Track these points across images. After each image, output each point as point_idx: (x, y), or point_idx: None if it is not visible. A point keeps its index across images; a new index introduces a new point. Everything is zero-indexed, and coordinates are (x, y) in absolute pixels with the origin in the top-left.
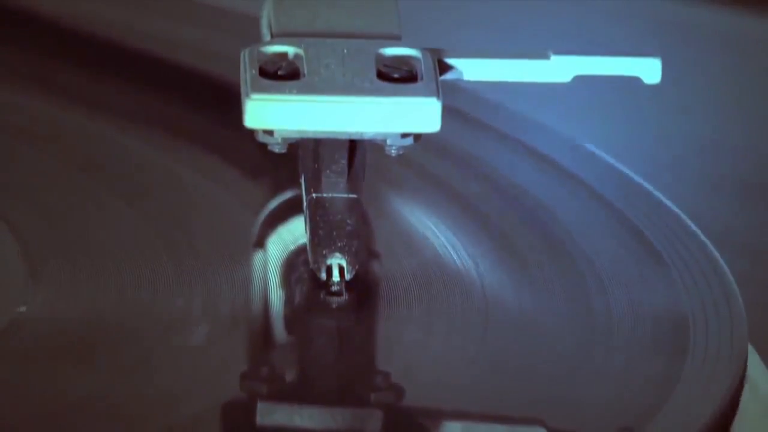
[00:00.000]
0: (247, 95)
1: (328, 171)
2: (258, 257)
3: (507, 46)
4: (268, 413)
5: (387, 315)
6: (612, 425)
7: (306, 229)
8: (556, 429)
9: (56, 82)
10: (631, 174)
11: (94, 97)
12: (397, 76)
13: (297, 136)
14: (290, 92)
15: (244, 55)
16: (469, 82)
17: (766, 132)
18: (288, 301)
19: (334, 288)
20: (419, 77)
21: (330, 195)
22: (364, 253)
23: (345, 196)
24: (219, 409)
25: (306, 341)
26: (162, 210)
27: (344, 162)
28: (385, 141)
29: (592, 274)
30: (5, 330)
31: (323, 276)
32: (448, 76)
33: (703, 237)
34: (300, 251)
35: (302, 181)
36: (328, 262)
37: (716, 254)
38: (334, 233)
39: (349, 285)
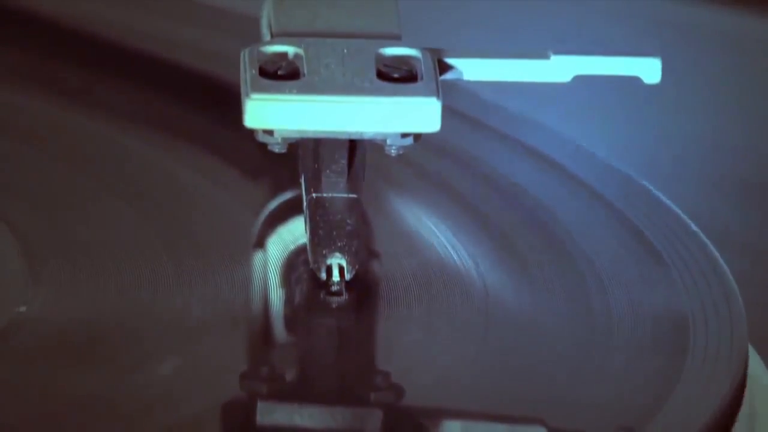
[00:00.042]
0: (247, 95)
1: (328, 171)
2: (258, 257)
3: (507, 46)
4: (268, 413)
5: (387, 315)
6: (612, 425)
7: (306, 229)
8: (557, 428)
9: (56, 82)
10: (631, 174)
11: (94, 97)
12: (397, 76)
13: (297, 136)
14: (290, 92)
15: (244, 55)
16: (469, 82)
17: (766, 132)
18: (288, 301)
19: (334, 288)
20: (419, 77)
21: (330, 195)
22: (364, 253)
23: (345, 195)
24: (219, 409)
25: (306, 341)
26: (162, 210)
27: (344, 162)
28: (385, 141)
29: (592, 274)
30: (5, 330)
31: (323, 276)
32: (448, 76)
33: (703, 237)
34: (300, 251)
35: (302, 181)
36: (328, 262)
37: (716, 254)
38: (334, 233)
39: (349, 285)
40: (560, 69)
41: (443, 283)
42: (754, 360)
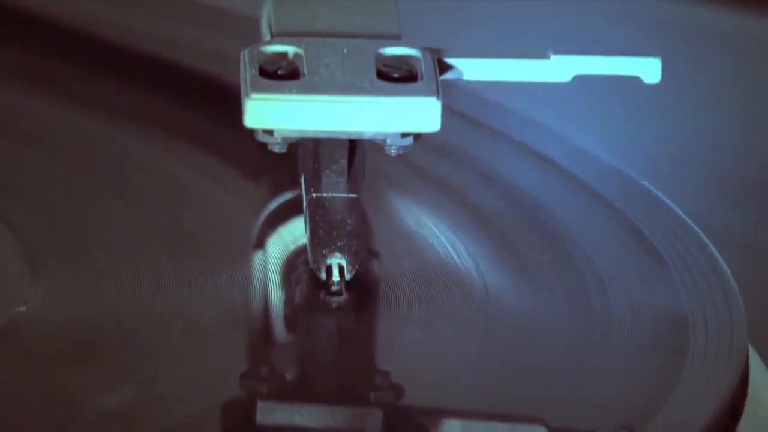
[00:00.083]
0: (247, 95)
1: (328, 171)
2: (258, 257)
3: (507, 46)
4: (268, 412)
5: (387, 315)
6: (612, 425)
7: (306, 229)
8: (557, 428)
9: (56, 82)
10: (631, 174)
11: (94, 97)
12: (397, 76)
13: (297, 135)
14: (290, 92)
15: (244, 55)
16: (469, 82)
17: (766, 132)
18: (288, 301)
19: (334, 288)
20: (419, 77)
21: (330, 195)
22: (364, 253)
23: (345, 195)
24: (219, 409)
25: (306, 341)
26: (162, 210)
27: (344, 162)
28: (385, 141)
29: (592, 274)
30: (5, 330)
31: (323, 276)
32: (448, 76)
33: (703, 237)
34: (300, 251)
35: (302, 180)
36: (328, 261)
37: (716, 254)
38: (334, 233)
39: (349, 285)
40: (560, 69)
41: (443, 283)
42: (754, 360)
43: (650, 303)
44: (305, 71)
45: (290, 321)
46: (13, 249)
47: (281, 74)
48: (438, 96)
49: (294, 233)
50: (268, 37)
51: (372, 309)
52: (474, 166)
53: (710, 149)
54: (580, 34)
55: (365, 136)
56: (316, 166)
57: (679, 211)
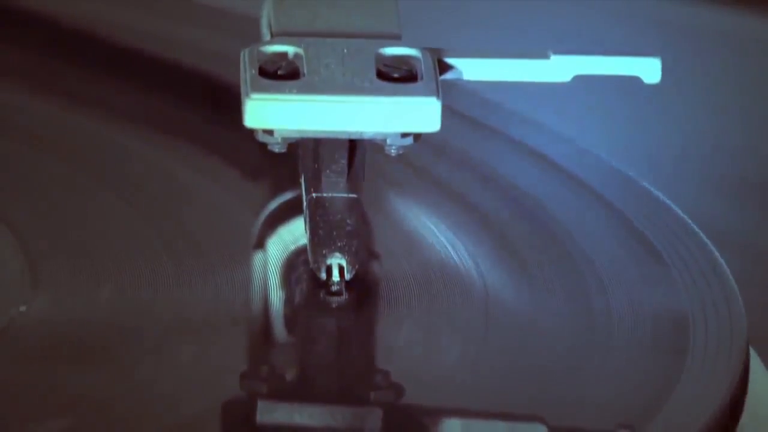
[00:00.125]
0: (247, 95)
1: (328, 171)
2: (258, 257)
3: (507, 46)
4: (268, 412)
5: (387, 315)
6: (612, 424)
7: (306, 229)
8: (557, 428)
9: (56, 82)
10: (631, 174)
11: (94, 97)
12: (397, 76)
13: (297, 135)
14: (290, 92)
15: (244, 55)
16: (469, 82)
17: (766, 132)
18: (288, 301)
19: (334, 288)
20: (419, 77)
21: (330, 195)
22: (364, 253)
23: (345, 195)
24: (219, 409)
25: (306, 341)
26: (162, 210)
27: (344, 162)
28: (385, 141)
29: (592, 274)
30: (5, 330)
31: (323, 276)
32: (448, 76)
33: (703, 237)
34: (300, 251)
35: (302, 181)
36: (328, 261)
37: (716, 254)
38: (334, 233)
39: (349, 285)
40: (560, 69)
41: (443, 283)
42: (754, 360)
43: (650, 303)
44: (305, 71)
45: (290, 321)
46: (13, 249)
47: (281, 74)
48: (438, 96)
49: (294, 233)
50: (268, 37)
51: (372, 309)
52: (474, 166)
53: (710, 149)
54: (580, 34)
55: (365, 136)
56: (316, 166)
57: (679, 211)
